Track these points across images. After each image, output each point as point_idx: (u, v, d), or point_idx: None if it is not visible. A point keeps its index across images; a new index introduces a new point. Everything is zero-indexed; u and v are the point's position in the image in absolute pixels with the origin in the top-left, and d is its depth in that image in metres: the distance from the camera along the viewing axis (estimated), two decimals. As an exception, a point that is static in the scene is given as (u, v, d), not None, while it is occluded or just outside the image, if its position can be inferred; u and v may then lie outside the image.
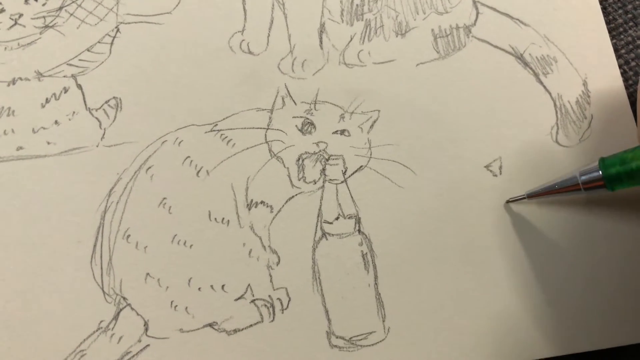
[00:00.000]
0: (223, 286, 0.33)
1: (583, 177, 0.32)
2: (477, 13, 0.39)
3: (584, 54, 0.38)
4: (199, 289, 0.33)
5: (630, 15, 0.40)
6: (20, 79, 0.35)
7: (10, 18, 0.36)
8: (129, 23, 0.37)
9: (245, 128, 0.36)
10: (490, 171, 0.36)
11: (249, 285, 0.33)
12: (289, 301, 0.33)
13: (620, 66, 0.39)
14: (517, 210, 0.35)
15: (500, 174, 0.36)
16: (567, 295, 0.34)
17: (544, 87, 0.38)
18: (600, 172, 0.32)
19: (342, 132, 0.36)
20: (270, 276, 0.33)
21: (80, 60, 0.36)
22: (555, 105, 0.38)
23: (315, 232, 0.34)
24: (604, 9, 0.40)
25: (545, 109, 0.38)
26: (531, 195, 0.34)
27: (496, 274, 0.34)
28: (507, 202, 0.35)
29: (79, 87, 0.36)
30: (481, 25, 0.39)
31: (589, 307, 0.34)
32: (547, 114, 0.38)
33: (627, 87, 0.38)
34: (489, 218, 0.35)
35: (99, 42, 0.36)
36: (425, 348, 0.33)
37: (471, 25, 0.39)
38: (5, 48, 0.36)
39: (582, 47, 0.39)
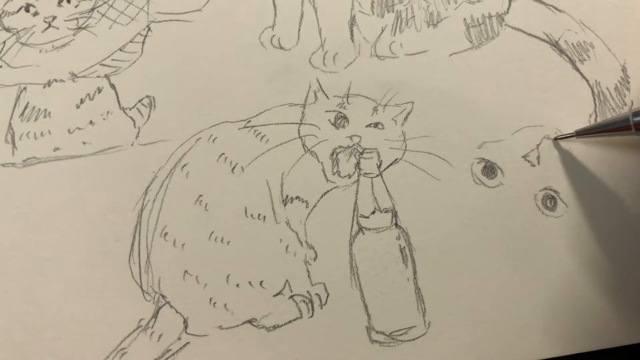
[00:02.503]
0: (261, 282, 0.33)
1: (636, 118, 0.31)
2: (510, 1, 0.38)
3: (623, 39, 0.37)
4: (237, 285, 0.32)
5: (669, -2, 0.39)
6: (55, 80, 0.36)
7: (44, 21, 0.37)
8: (159, 22, 0.37)
9: (278, 123, 0.35)
10: (528, 161, 0.35)
11: (287, 281, 0.33)
12: (327, 296, 0.33)
13: (660, 50, 0.38)
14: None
15: (539, 164, 0.35)
16: (615, 285, 0.33)
17: (581, 74, 0.37)
18: None
19: (376, 125, 0.35)
20: (308, 271, 0.33)
21: (113, 60, 0.36)
22: (593, 92, 0.37)
23: (352, 227, 0.34)
24: (641, -8, 0.39)
25: (582, 96, 0.37)
26: (580, 133, 0.33)
27: (537, 265, 0.34)
28: (555, 139, 0.34)
29: (113, 86, 0.36)
30: (514, 13, 0.38)
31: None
32: (585, 102, 0.37)
33: (668, 72, 0.37)
34: (528, 208, 0.35)
35: (130, 41, 0.36)
36: (466, 342, 0.32)
37: (504, 14, 0.38)
38: (40, 51, 0.36)
39: (620, 31, 0.38)
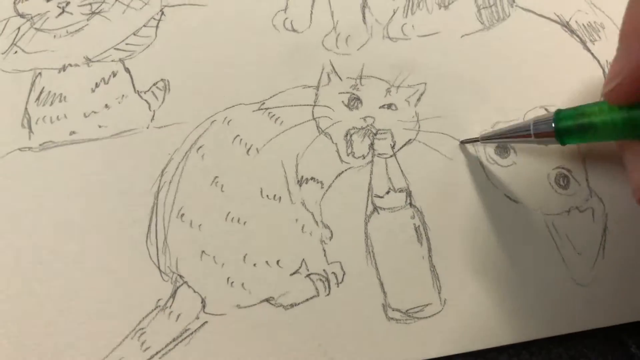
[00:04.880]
0: (278, 261, 0.33)
1: (536, 127, 0.31)
2: (521, -18, 0.38)
3: (633, 19, 0.38)
4: (254, 265, 0.33)
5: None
6: (70, 65, 0.36)
7: (58, 6, 0.37)
8: (173, 6, 0.37)
9: (292, 105, 0.36)
10: (541, 140, 0.36)
11: (303, 260, 0.33)
12: (343, 275, 0.33)
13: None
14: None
15: (551, 143, 0.36)
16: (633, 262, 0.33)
17: (592, 54, 0.38)
18: (554, 125, 0.30)
19: (389, 106, 0.36)
20: (324, 251, 0.33)
21: (127, 44, 0.36)
22: (604, 72, 0.37)
23: (367, 207, 0.34)
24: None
25: (594, 76, 0.37)
26: (485, 138, 0.33)
27: (549, 242, 0.34)
28: (462, 142, 0.35)
29: (127, 70, 0.36)
30: (525, -6, 0.38)
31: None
32: (596, 82, 0.37)
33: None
34: (540, 186, 0.35)
35: (144, 25, 0.37)
36: (482, 318, 0.33)
37: (515, -5, 0.38)
38: (55, 36, 0.37)
39: (631, 11, 0.38)
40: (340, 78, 0.36)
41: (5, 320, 0.31)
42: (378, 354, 0.32)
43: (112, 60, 0.36)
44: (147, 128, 0.35)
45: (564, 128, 0.29)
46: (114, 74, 0.36)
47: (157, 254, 0.33)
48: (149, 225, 0.33)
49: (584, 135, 0.29)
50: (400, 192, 0.34)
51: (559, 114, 0.30)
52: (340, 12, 0.37)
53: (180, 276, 0.33)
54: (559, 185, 0.35)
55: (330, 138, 0.35)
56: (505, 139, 0.32)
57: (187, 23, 0.37)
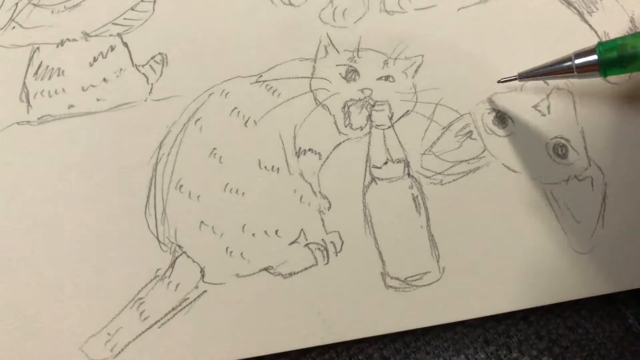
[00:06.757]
0: (276, 231, 0.33)
1: (578, 61, 0.31)
2: (517, -45, 0.38)
3: (630, -10, 0.38)
4: (253, 234, 0.33)
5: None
6: (68, 40, 0.36)
7: (55, -18, 0.37)
8: (170, -19, 0.37)
9: (289, 78, 0.36)
10: (539, 111, 0.36)
11: (302, 229, 0.33)
12: (342, 244, 0.33)
13: (668, 0, 0.38)
14: None
15: (549, 113, 0.36)
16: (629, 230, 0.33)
17: (590, 25, 0.38)
18: (597, 56, 0.30)
19: (387, 78, 0.36)
20: (322, 221, 0.33)
21: (124, 19, 0.37)
22: (601, 43, 0.37)
23: (365, 177, 0.34)
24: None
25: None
26: (523, 76, 0.33)
27: (548, 212, 0.34)
28: (499, 82, 0.34)
29: (125, 45, 0.36)
30: (522, -33, 0.38)
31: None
32: (594, 53, 0.37)
33: (676, 21, 0.37)
34: (539, 156, 0.35)
35: (142, 0, 0.37)
36: (481, 287, 0.33)
37: (512, -33, 0.38)
38: (52, 11, 0.37)
39: (628, -18, 0.38)
40: (337, 50, 0.36)
41: (5, 289, 0.31)
42: (377, 322, 0.32)
43: (110, 35, 0.36)
44: (145, 101, 0.35)
45: (606, 60, 0.30)
46: (112, 48, 0.36)
47: (156, 224, 0.33)
48: (148, 197, 0.33)
49: (626, 66, 0.30)
50: (398, 162, 0.34)
51: (602, 46, 0.30)
52: (337, -14, 0.37)
53: (179, 246, 0.33)
54: (557, 154, 0.35)
55: (328, 110, 0.35)
56: (544, 75, 0.32)
57: (184, -3, 0.37)
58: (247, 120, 0.35)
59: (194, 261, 0.33)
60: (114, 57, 0.36)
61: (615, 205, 0.34)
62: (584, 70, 0.31)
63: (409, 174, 0.34)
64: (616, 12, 0.38)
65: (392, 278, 0.33)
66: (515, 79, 0.34)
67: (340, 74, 0.36)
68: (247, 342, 0.31)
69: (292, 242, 0.33)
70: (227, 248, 0.33)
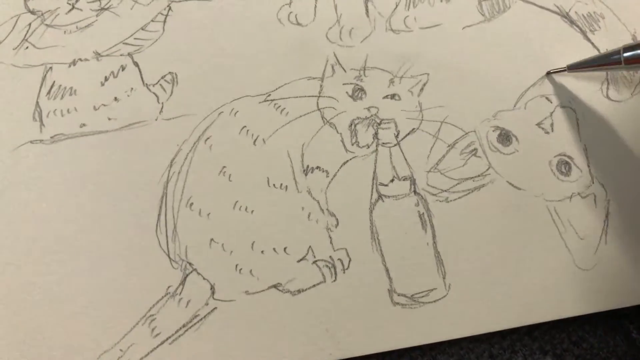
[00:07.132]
0: (285, 248, 0.33)
1: (626, 53, 0.32)
2: (521, -26, 0.39)
3: (632, 9, 0.38)
4: (262, 252, 0.33)
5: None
6: (80, 59, 0.37)
7: (67, 3, 0.38)
8: (179, 1, 0.38)
9: (297, 97, 0.36)
10: (542, 128, 0.36)
11: (310, 247, 0.34)
12: (349, 261, 0.34)
13: (669, 18, 0.38)
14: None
15: (552, 130, 0.36)
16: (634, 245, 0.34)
17: (592, 44, 0.38)
18: None
19: (393, 96, 0.36)
20: (330, 238, 0.34)
21: (135, 39, 0.37)
22: (604, 61, 0.38)
23: (371, 195, 0.35)
24: (649, -38, 0.40)
25: (594, 65, 0.37)
26: (573, 67, 0.34)
27: (552, 229, 0.34)
28: (548, 73, 0.35)
29: (136, 64, 0.37)
30: (525, -14, 0.39)
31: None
32: (596, 71, 0.38)
33: (678, 39, 0.38)
34: (542, 173, 0.35)
35: (152, 20, 0.38)
36: (487, 303, 0.33)
37: (515, -13, 0.39)
38: (65, 32, 0.37)
39: (630, 1, 0.38)
40: (344, 69, 0.37)
41: (18, 306, 0.32)
42: (384, 338, 0.32)
43: (121, 55, 0.37)
44: (156, 120, 0.36)
45: None
46: (123, 68, 0.37)
47: (167, 242, 0.34)
48: (159, 215, 0.34)
49: None
50: (404, 180, 0.35)
51: None
52: (344, 6, 0.38)
53: (190, 264, 0.33)
54: (561, 172, 0.35)
55: (335, 128, 0.36)
56: (593, 67, 0.33)
57: (193, 17, 0.38)
58: (256, 139, 0.35)
59: (204, 278, 0.33)
60: (125, 77, 0.37)
61: (618, 222, 0.35)
62: (631, 62, 0.32)
63: (415, 192, 0.35)
64: (618, 30, 0.38)
65: (399, 295, 0.33)
66: (564, 70, 0.34)
67: (347, 92, 0.36)
68: (257, 358, 0.32)
69: (301, 259, 0.34)
70: (236, 265, 0.33)
